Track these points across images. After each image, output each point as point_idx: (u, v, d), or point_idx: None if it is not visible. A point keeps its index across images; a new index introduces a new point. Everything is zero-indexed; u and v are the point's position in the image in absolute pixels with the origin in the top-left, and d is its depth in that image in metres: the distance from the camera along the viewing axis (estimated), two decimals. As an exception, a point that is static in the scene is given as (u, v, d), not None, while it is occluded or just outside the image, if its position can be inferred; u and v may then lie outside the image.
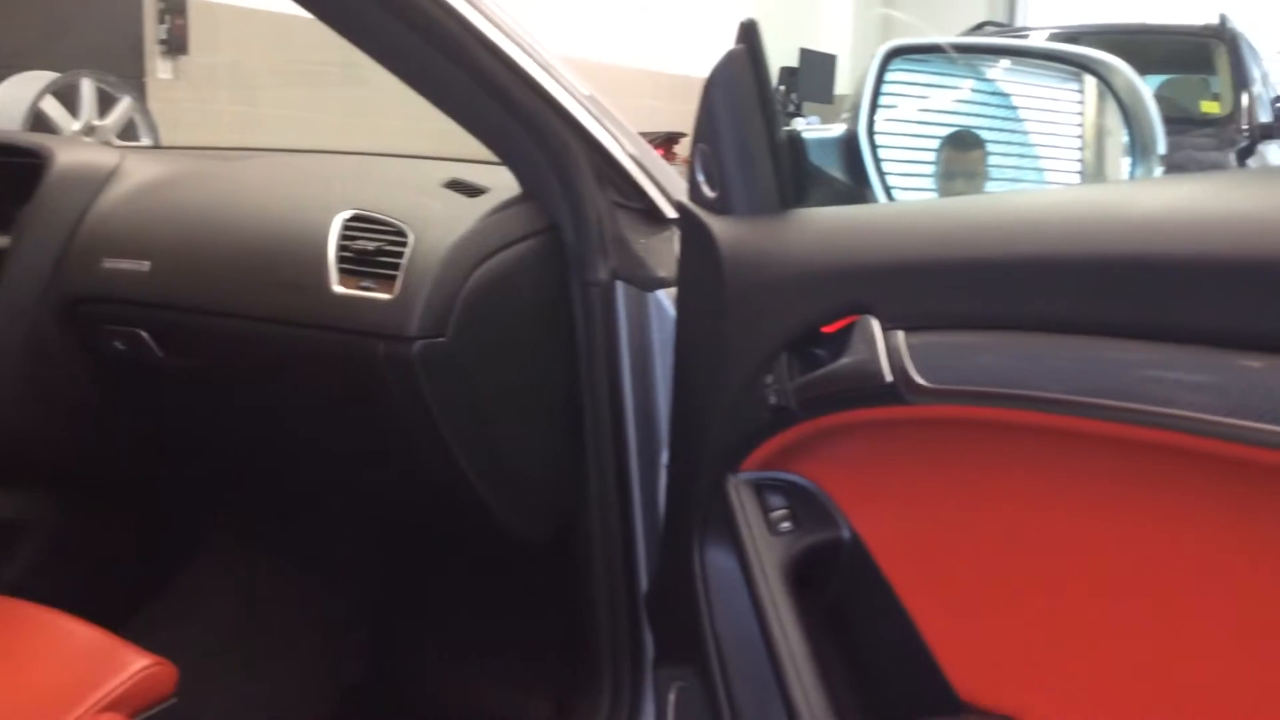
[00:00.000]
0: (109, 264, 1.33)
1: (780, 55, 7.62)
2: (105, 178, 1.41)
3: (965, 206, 0.76)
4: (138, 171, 1.44)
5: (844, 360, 0.75)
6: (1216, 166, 4.62)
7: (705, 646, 0.94)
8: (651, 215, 1.23)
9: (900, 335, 0.70)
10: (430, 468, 1.27)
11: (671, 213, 1.20)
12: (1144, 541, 0.60)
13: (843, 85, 7.64)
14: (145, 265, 1.29)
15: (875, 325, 0.72)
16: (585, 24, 6.27)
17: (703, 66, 0.95)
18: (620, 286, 1.20)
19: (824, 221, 0.86)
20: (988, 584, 0.72)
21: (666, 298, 1.18)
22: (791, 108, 7.13)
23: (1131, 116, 1.15)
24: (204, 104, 4.75)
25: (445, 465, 1.21)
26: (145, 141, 4.14)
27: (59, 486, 1.57)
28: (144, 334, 1.31)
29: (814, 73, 7.43)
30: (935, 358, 0.68)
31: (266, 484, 1.68)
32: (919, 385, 0.68)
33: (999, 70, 1.43)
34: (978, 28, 5.67)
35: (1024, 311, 0.63)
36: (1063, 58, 1.28)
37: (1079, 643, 0.66)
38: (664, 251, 1.19)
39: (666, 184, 1.23)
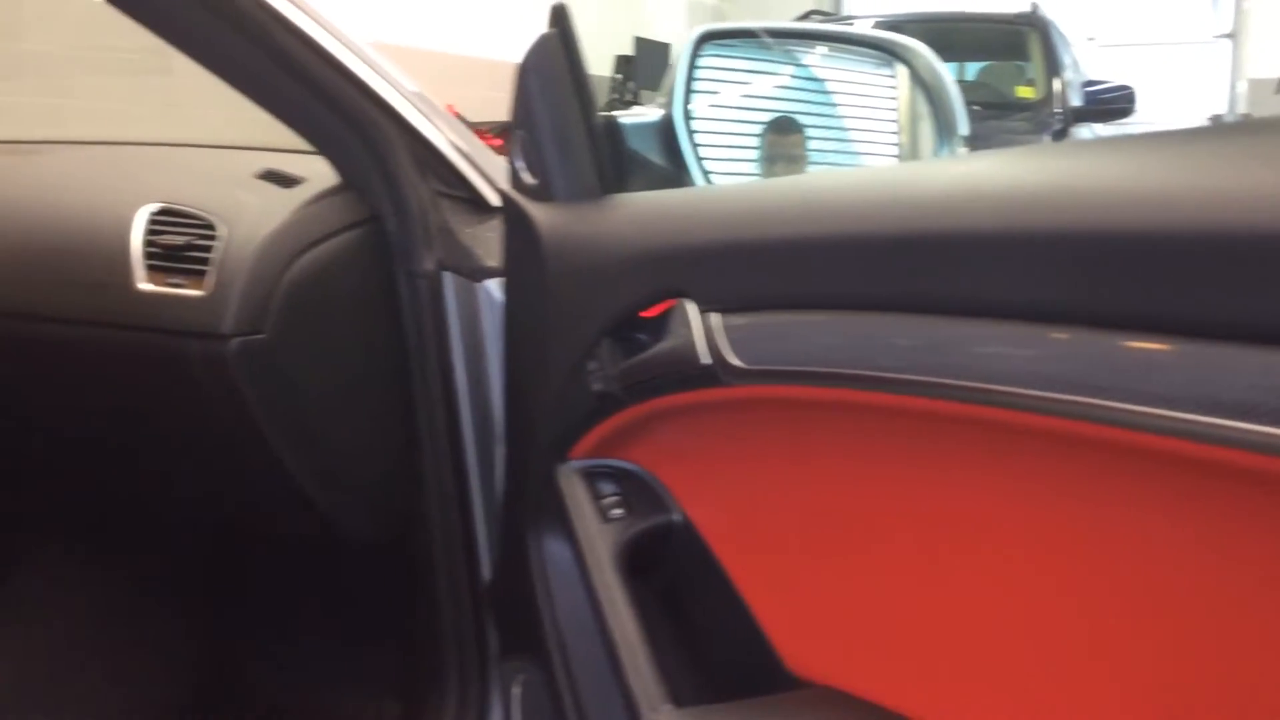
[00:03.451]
0: None
1: (618, 45, 7.67)
2: None
3: (774, 189, 0.77)
4: None
5: (663, 345, 0.75)
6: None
7: (544, 637, 0.93)
8: (477, 204, 1.20)
9: (716, 318, 0.71)
10: (255, 472, 1.22)
11: (498, 201, 1.18)
12: (962, 514, 0.61)
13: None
14: None
15: (692, 309, 0.73)
16: (421, 13, 6.14)
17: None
18: (448, 277, 1.18)
19: (640, 206, 0.86)
20: (812, 560, 0.73)
21: (497, 288, 1.17)
22: (629, 96, 7.18)
23: (935, 99, 1.19)
24: (7, 96, 4.44)
25: (271, 469, 1.16)
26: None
27: None
28: None
29: (650, 61, 7.50)
30: (750, 339, 0.69)
31: (86, 495, 1.58)
32: (735, 367, 0.69)
33: (817, 57, 1.46)
34: (804, 16, 5.81)
35: (831, 290, 0.64)
36: (867, 42, 1.32)
37: (901, 615, 0.67)
38: (492, 241, 1.18)
39: (492, 172, 1.21)
